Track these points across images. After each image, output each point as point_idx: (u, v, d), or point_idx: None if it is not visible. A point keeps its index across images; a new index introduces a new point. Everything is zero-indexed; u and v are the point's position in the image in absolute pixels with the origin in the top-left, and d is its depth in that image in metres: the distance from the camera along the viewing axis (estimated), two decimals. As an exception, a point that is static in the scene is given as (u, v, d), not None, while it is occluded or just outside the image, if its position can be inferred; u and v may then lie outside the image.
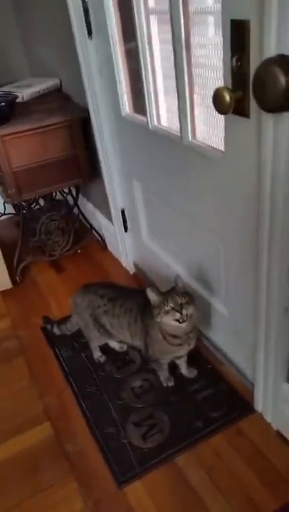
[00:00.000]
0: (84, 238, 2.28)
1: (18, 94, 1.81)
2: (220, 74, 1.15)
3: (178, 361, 1.47)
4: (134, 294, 1.43)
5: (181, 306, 1.22)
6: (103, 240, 2.29)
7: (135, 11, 1.26)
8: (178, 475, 1.26)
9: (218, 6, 0.94)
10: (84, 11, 1.49)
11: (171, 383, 1.48)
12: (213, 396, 1.45)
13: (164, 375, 1.48)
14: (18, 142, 1.74)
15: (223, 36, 0.94)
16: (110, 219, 2.09)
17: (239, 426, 1.35)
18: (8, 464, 1.36)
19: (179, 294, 1.24)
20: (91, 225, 2.28)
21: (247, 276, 1.20)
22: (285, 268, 1.02)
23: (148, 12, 1.26)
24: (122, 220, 1.94)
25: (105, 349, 1.63)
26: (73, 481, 1.28)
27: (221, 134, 1.16)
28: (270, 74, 0.78)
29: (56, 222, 2.09)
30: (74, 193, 2.18)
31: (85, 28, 1.52)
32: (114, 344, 1.62)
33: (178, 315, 1.22)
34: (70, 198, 2.25)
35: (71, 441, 1.39)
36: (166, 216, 1.59)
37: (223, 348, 1.53)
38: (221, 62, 0.97)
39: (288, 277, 1.03)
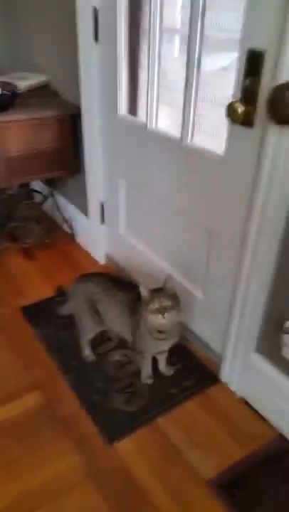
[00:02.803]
0: (53, 229, 2.38)
1: (18, 85, 1.91)
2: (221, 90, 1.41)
3: (158, 356, 1.58)
4: (126, 288, 1.52)
5: (165, 309, 1.33)
6: (72, 232, 2.42)
7: (151, 29, 1.46)
8: (160, 433, 1.43)
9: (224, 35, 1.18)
10: (94, 18, 1.65)
11: (150, 381, 1.58)
12: (183, 369, 1.64)
13: (145, 372, 1.58)
14: (15, 130, 1.85)
15: (239, 60, 1.17)
16: (84, 212, 2.24)
17: (208, 393, 1.57)
18: (1, 427, 1.44)
19: (166, 296, 1.35)
20: (63, 217, 2.39)
21: (229, 262, 1.43)
22: (267, 255, 1.26)
23: (162, 31, 1.47)
24: (100, 213, 2.10)
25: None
26: (67, 440, 1.39)
27: (216, 139, 1.40)
28: (283, 95, 1.03)
29: (34, 211, 2.19)
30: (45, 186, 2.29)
31: (92, 34, 1.69)
32: None
33: (160, 317, 1.34)
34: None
35: (61, 408, 1.50)
36: (151, 211, 1.78)
37: (193, 328, 1.74)
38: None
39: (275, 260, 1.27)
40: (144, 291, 1.37)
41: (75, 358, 1.68)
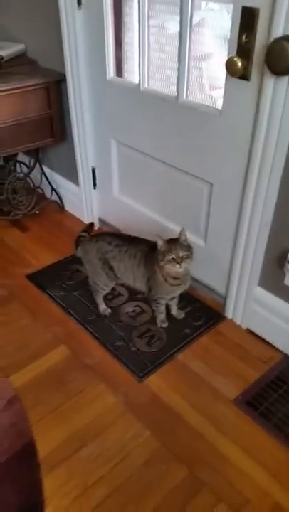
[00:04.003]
0: (41, 200, 2.43)
1: (1, 53, 1.91)
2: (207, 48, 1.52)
3: (170, 302, 1.73)
4: (137, 242, 1.63)
5: (182, 258, 1.46)
6: (61, 201, 2.47)
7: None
8: (182, 366, 1.60)
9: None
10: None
11: (165, 325, 1.73)
12: (192, 312, 1.81)
13: (160, 318, 1.72)
14: (1, 100, 1.86)
15: (233, 19, 1.28)
16: (72, 179, 2.30)
17: (217, 329, 1.75)
18: (36, 381, 1.54)
19: (182, 246, 1.46)
20: (51, 186, 2.44)
21: (230, 209, 1.58)
22: (268, 196, 1.41)
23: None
24: (92, 178, 2.17)
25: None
26: (100, 383, 1.53)
27: (208, 96, 1.51)
28: (281, 47, 1.15)
29: (22, 182, 2.23)
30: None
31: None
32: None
33: (177, 266, 1.46)
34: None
35: (88, 356, 1.63)
36: (146, 170, 1.88)
37: (197, 275, 1.90)
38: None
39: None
40: (160, 242, 1.49)
41: (91, 313, 1.80)
